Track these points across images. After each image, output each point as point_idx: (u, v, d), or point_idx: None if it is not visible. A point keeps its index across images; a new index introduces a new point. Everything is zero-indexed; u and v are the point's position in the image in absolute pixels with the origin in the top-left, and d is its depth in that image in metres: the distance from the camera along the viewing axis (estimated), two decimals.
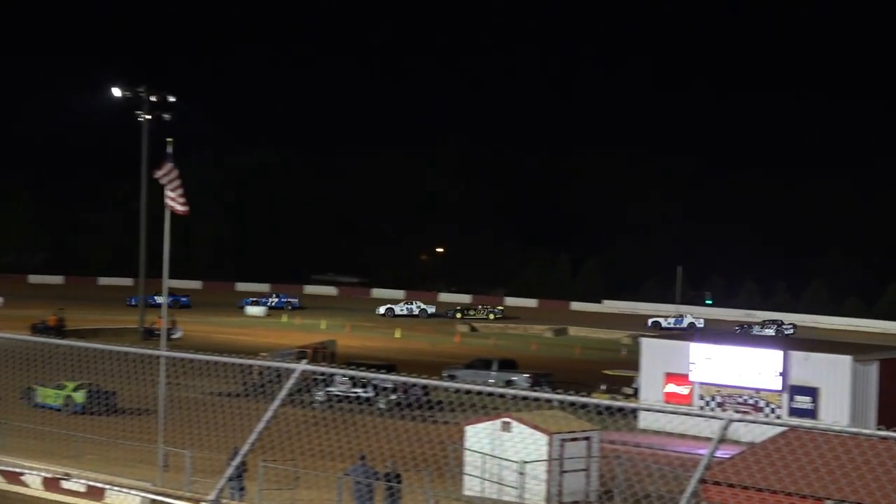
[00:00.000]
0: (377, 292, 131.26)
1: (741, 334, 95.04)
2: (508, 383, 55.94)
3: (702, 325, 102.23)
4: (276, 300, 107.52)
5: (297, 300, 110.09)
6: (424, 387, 34.25)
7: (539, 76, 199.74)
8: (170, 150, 38.16)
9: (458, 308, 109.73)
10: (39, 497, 27.12)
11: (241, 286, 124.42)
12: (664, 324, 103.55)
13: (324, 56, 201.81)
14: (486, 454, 32.61)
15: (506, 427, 33.41)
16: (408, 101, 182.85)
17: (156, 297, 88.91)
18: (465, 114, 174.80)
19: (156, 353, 26.24)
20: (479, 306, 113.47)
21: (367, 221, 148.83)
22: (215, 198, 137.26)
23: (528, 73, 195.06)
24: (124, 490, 23.86)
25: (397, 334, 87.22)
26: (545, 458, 32.37)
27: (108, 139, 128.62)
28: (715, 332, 77.66)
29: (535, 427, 33.16)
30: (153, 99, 66.03)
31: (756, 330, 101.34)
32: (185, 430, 31.67)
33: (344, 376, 32.48)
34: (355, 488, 27.25)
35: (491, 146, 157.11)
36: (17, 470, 26.21)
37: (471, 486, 33.02)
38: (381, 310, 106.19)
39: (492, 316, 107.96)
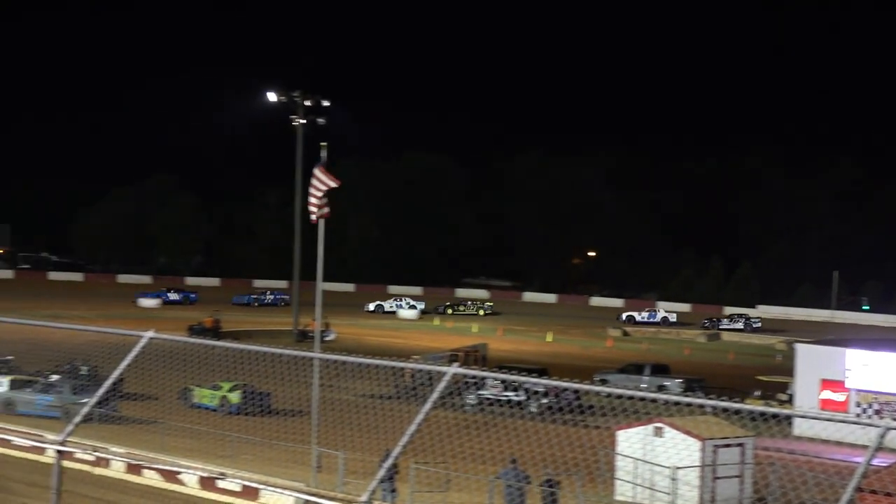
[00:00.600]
0: (529, 296, 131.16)
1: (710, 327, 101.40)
2: (661, 388, 55.29)
3: (674, 320, 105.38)
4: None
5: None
6: (576, 391, 33.94)
7: (684, 78, 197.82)
8: (324, 154, 38.58)
9: (448, 304, 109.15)
10: (196, 496, 27.51)
11: (394, 289, 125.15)
12: (638, 318, 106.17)
13: (476, 60, 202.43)
14: (638, 459, 32.26)
15: (658, 432, 32.97)
16: (559, 104, 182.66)
17: (168, 294, 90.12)
18: (618, 117, 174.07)
19: (309, 355, 26.44)
20: (469, 301, 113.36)
21: (519, 224, 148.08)
22: (368, 201, 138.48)
23: (672, 74, 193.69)
24: (278, 490, 23.90)
25: (549, 338, 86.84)
26: (698, 463, 31.87)
27: (263, 143, 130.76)
28: (872, 339, 75.46)
29: (688, 432, 32.66)
30: (308, 103, 66.73)
31: (724, 323, 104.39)
32: (338, 431, 31.91)
33: (495, 380, 32.29)
34: (506, 492, 27.15)
35: (642, 149, 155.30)
36: (175, 469, 26.52)
37: (622, 492, 32.69)
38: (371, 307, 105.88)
39: (481, 311, 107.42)
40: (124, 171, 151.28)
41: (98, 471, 25.03)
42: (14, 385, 41.50)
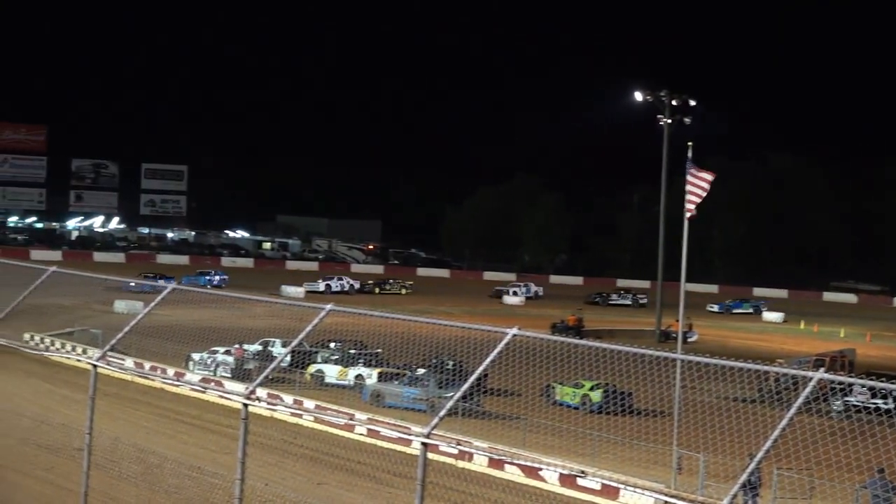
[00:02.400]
0: None
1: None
2: None
3: (542, 295, 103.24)
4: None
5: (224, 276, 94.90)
6: None
7: None
8: (690, 154, 38.22)
9: (373, 282, 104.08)
10: (555, 492, 27.87)
11: (759, 291, 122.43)
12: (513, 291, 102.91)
13: (843, 60, 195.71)
14: None
15: None
16: None
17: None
18: None
19: (672, 355, 26.06)
20: (392, 280, 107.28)
21: (890, 227, 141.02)
22: (732, 202, 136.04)
23: None
24: (638, 491, 23.93)
25: None
26: None
27: (628, 143, 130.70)
28: None
29: None
30: (674, 103, 66.19)
31: (614, 298, 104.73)
32: (699, 433, 31.18)
33: (863, 386, 30.97)
34: (873, 502, 26.19)
35: None
36: (536, 465, 26.89)
37: None
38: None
39: (403, 290, 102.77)
40: (491, 170, 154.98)
41: (461, 464, 25.75)
42: (382, 377, 42.84)
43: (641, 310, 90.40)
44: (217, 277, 59.30)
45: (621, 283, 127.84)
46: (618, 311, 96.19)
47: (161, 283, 56.48)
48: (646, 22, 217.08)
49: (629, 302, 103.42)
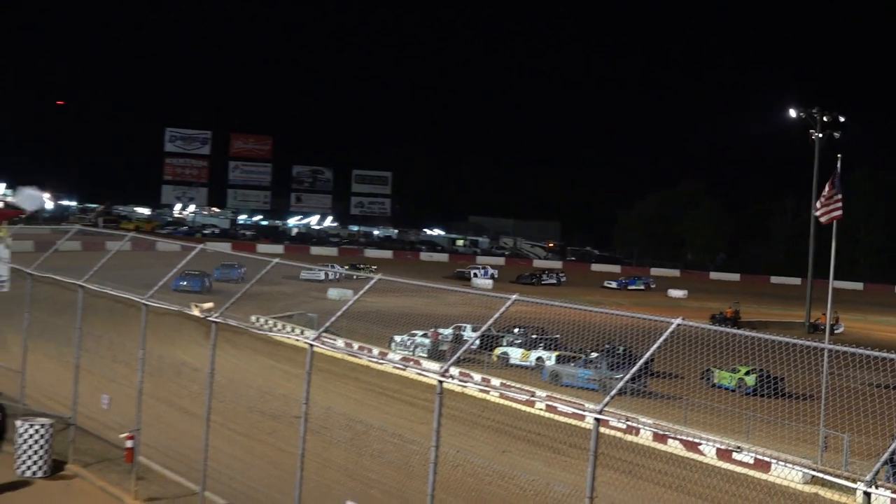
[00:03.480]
0: None
1: None
2: None
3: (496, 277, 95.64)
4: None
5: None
6: None
7: None
8: (838, 166, 37.21)
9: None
10: (713, 465, 27.43)
11: None
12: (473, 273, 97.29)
13: None
14: None
15: None
16: None
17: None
18: None
19: (820, 345, 25.54)
20: (363, 265, 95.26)
21: None
22: (877, 209, 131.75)
23: None
24: (788, 465, 23.43)
25: None
26: None
27: (782, 153, 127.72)
28: None
29: None
30: (825, 119, 64.40)
31: (544, 279, 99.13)
32: (844, 415, 30.03)
33: None
34: None
35: None
36: (696, 440, 26.55)
37: None
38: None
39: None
40: (659, 176, 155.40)
41: (629, 438, 25.49)
42: (560, 360, 42.67)
43: (746, 301, 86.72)
44: (241, 270, 59.11)
45: (775, 280, 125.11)
46: (761, 303, 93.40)
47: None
48: (805, 37, 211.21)
49: (555, 281, 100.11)
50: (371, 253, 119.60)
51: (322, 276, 70.66)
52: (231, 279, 59.38)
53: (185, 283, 48.42)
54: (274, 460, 21.66)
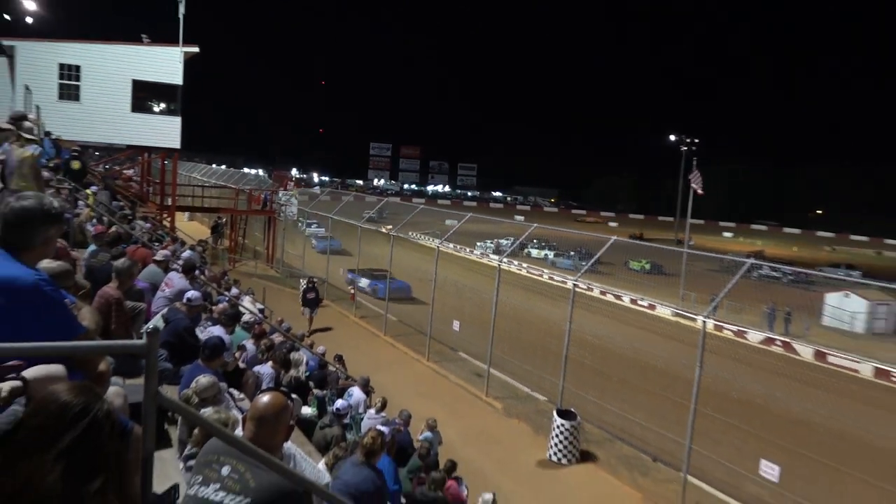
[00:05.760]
0: None
1: None
2: None
3: None
4: None
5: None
6: None
7: None
8: (694, 162, 48.06)
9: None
10: (628, 306, 33.20)
11: None
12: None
13: None
14: None
15: None
16: None
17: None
18: None
19: (680, 250, 38.33)
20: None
21: None
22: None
23: None
24: (664, 305, 28.15)
25: None
26: None
27: None
28: None
29: None
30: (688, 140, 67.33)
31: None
32: (694, 283, 38.91)
33: None
34: None
35: None
36: (619, 294, 32.39)
37: None
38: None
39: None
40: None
41: (589, 293, 27.62)
42: (556, 255, 53.31)
43: (651, 230, 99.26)
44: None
45: (661, 218, 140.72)
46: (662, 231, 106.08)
47: None
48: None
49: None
50: (467, 203, 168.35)
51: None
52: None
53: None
54: None
